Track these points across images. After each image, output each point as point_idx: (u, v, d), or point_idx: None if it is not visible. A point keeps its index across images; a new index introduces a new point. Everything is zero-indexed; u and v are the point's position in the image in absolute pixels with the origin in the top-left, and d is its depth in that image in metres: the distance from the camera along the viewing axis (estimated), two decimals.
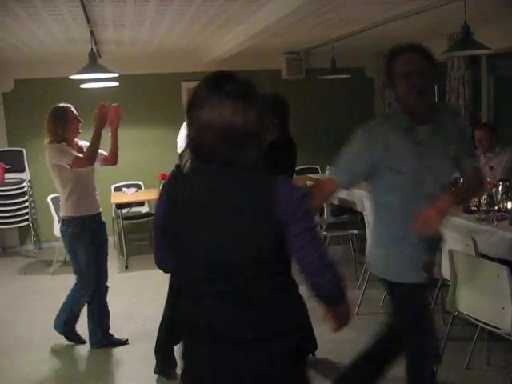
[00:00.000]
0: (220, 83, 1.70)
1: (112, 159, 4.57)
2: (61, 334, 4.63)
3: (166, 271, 2.06)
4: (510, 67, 6.87)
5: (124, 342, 4.67)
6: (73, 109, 4.49)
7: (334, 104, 8.87)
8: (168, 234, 1.82)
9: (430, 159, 2.58)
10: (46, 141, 4.34)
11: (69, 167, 4.22)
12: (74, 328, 4.66)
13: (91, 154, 4.27)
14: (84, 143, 4.53)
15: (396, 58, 2.58)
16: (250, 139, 1.70)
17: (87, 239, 4.40)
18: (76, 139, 4.50)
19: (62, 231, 4.56)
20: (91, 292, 4.50)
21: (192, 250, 1.76)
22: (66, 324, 4.62)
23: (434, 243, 2.72)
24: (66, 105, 4.52)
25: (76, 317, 4.62)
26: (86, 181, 4.42)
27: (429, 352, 2.78)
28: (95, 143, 4.29)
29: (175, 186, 1.83)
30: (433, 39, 7.27)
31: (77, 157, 4.23)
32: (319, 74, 7.72)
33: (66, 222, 4.42)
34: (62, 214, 4.50)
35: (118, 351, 4.53)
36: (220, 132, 1.65)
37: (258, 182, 1.73)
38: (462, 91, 6.98)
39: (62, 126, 4.34)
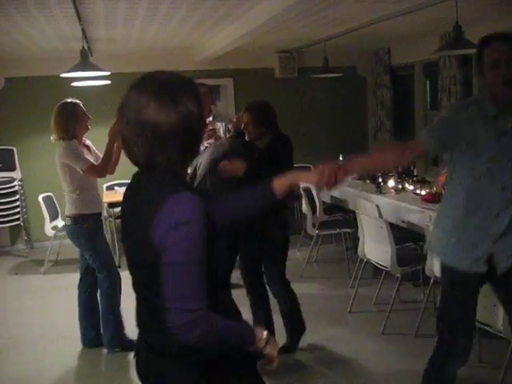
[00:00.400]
0: (140, 82, 1.68)
1: (112, 170, 4.48)
2: (119, 348, 4.33)
3: None
4: None
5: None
6: (81, 104, 4.42)
7: (327, 103, 8.87)
8: None
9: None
10: (55, 137, 4.28)
11: (81, 171, 4.14)
12: (125, 334, 4.35)
13: (105, 167, 4.28)
14: (89, 143, 4.54)
15: (485, 47, 2.55)
16: (166, 140, 1.59)
17: (103, 232, 4.40)
18: (83, 137, 4.45)
19: (73, 229, 4.29)
20: (120, 282, 4.28)
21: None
22: (117, 335, 4.33)
23: (500, 234, 2.62)
24: (74, 100, 4.43)
25: (121, 320, 4.35)
26: (95, 180, 4.42)
27: (457, 350, 2.76)
28: (109, 156, 4.27)
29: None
30: (425, 38, 7.31)
31: (92, 165, 4.19)
32: (312, 73, 7.72)
33: (79, 220, 4.21)
34: (72, 212, 4.23)
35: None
36: (134, 128, 1.61)
37: (152, 195, 1.61)
38: (454, 90, 7.00)
39: (72, 122, 4.28)
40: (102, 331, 4.40)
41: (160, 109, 1.57)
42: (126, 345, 4.23)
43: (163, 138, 1.58)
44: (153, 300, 1.65)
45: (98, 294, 4.39)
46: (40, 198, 6.87)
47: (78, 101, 4.43)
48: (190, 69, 8.22)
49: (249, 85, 8.27)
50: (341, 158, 6.31)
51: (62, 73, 5.12)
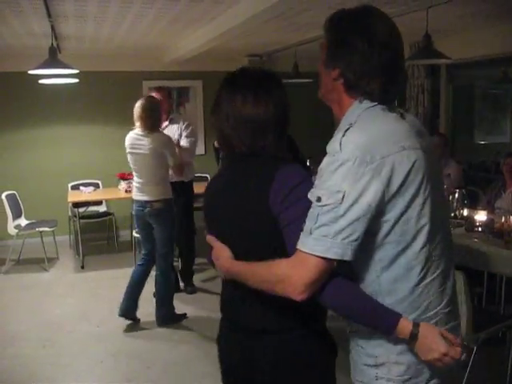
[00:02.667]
0: (232, 78, 1.85)
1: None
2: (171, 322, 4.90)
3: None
4: (469, 77, 7.03)
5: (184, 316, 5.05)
6: None
7: (296, 108, 8.87)
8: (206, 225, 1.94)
9: None
10: (143, 129, 4.76)
11: (171, 163, 4.79)
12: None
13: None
14: None
15: None
16: (266, 129, 1.75)
17: None
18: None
19: (163, 212, 4.76)
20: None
21: (219, 232, 1.84)
22: (172, 310, 4.97)
23: None
24: (155, 96, 5.11)
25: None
26: None
27: None
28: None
29: (212, 179, 1.98)
30: None
31: (181, 163, 5.00)
32: (282, 78, 7.72)
33: (170, 203, 4.81)
34: (164, 197, 4.76)
35: (72, 352, 4.44)
36: (235, 124, 1.76)
37: (260, 170, 1.74)
38: (422, 99, 7.10)
39: (160, 116, 4.90)
40: (156, 309, 4.94)
41: (258, 102, 1.75)
42: (175, 320, 4.93)
43: (263, 128, 1.75)
44: None
45: (156, 275, 4.92)
46: (3, 196, 6.73)
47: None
48: (160, 70, 8.18)
49: (218, 87, 8.24)
50: (308, 164, 6.33)
51: (30, 69, 5.02)
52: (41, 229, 6.77)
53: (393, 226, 1.51)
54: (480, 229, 4.14)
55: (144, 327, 4.89)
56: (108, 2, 4.41)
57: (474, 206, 4.53)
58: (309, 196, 1.52)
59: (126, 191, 7.01)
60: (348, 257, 1.46)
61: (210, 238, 1.83)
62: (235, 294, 1.83)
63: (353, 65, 1.57)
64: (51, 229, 6.90)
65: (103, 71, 7.90)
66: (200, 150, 7.80)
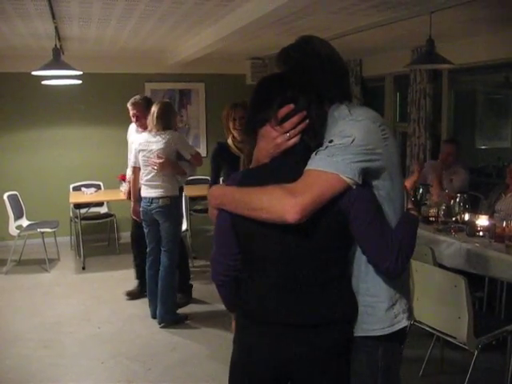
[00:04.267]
0: (284, 81, 1.84)
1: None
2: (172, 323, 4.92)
3: (218, 284, 1.98)
4: (471, 82, 7.04)
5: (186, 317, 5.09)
6: None
7: None
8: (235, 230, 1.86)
9: None
10: (157, 128, 4.88)
11: (189, 156, 4.95)
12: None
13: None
14: None
15: None
16: (319, 131, 1.81)
17: None
18: None
19: (168, 207, 4.90)
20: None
21: (258, 237, 1.82)
22: (174, 309, 5.04)
23: None
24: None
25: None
26: None
27: None
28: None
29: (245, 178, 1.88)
30: (397, 51, 7.41)
31: (198, 152, 5.16)
32: None
33: (175, 199, 4.97)
34: (173, 193, 4.93)
35: (72, 353, 4.44)
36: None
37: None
38: (423, 104, 7.10)
39: (173, 118, 5.07)
40: (158, 307, 4.94)
41: (314, 104, 1.85)
42: (176, 321, 4.96)
43: (318, 129, 1.83)
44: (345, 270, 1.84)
45: (160, 272, 4.96)
46: (5, 196, 6.74)
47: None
48: (162, 72, 8.20)
49: (220, 90, 8.28)
50: None
51: (33, 70, 5.05)
52: (42, 229, 6.78)
53: (383, 203, 1.80)
54: (481, 233, 4.15)
55: (145, 328, 4.89)
56: (112, 5, 4.42)
57: (475, 211, 4.54)
58: (322, 148, 1.74)
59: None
60: (356, 178, 1.69)
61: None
62: (272, 288, 1.82)
63: (313, 81, 1.89)
64: (53, 230, 6.90)
65: (106, 73, 7.92)
66: (202, 152, 7.81)
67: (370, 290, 1.85)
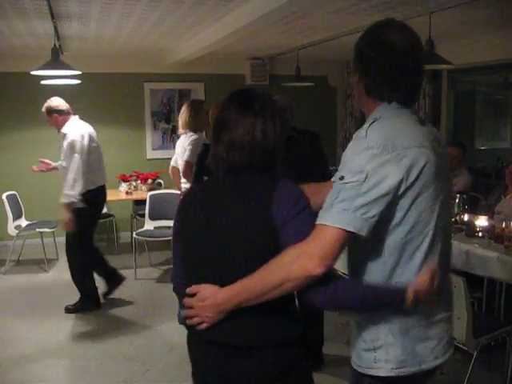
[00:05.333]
0: (249, 103, 1.78)
1: None
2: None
3: (175, 289, 1.99)
4: (470, 83, 7.04)
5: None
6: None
7: (297, 112, 8.88)
8: (178, 240, 1.89)
9: None
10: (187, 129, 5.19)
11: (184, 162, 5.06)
12: None
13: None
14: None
15: None
16: (276, 154, 1.80)
17: None
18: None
19: None
20: None
21: (197, 248, 1.80)
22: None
23: None
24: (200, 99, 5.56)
25: None
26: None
27: None
28: None
29: (189, 201, 1.90)
30: None
31: (188, 162, 5.05)
32: (283, 81, 7.75)
33: None
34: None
35: (71, 353, 4.44)
36: (250, 150, 1.74)
37: (260, 182, 1.76)
38: (423, 104, 7.11)
39: (201, 119, 5.10)
40: None
41: (274, 129, 1.79)
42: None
43: (276, 152, 1.82)
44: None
45: None
46: (4, 196, 6.73)
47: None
48: (162, 72, 8.19)
49: (219, 90, 8.25)
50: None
51: (31, 70, 5.04)
52: (41, 229, 6.77)
53: (405, 215, 1.63)
54: (480, 234, 4.14)
55: (144, 328, 4.89)
56: (111, 4, 4.42)
57: (474, 212, 4.53)
58: (332, 179, 1.67)
59: (127, 193, 7.02)
60: (364, 232, 1.56)
61: (190, 290, 1.77)
62: None
63: (367, 71, 1.76)
64: (51, 229, 6.89)
65: (105, 73, 7.92)
66: None
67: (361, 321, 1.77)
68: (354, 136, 1.68)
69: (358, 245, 1.68)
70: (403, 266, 1.68)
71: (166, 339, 4.63)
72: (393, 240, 1.66)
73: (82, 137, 5.00)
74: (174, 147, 5.46)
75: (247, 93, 1.84)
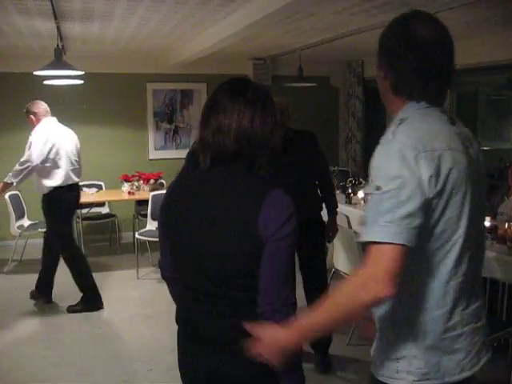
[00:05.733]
0: (242, 90, 1.74)
1: None
2: None
3: (165, 279, 2.02)
4: (473, 83, 7.03)
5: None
6: None
7: (300, 112, 8.90)
8: (164, 231, 1.88)
9: None
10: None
11: None
12: None
13: None
14: None
15: None
16: (263, 145, 1.73)
17: None
18: None
19: None
20: None
21: (181, 246, 1.80)
22: None
23: None
24: None
25: None
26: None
27: None
28: None
29: (175, 184, 1.87)
30: None
31: None
32: (285, 81, 7.75)
33: None
34: None
35: (73, 353, 4.44)
36: (237, 137, 1.69)
37: (251, 188, 1.71)
38: None
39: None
40: None
41: (263, 119, 1.74)
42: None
43: (263, 143, 1.74)
44: (248, 292, 1.70)
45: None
46: (6, 196, 6.73)
47: None
48: (164, 72, 8.20)
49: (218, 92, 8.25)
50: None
51: (35, 70, 5.05)
52: (44, 229, 6.75)
53: (436, 223, 1.53)
54: None
55: (146, 329, 4.89)
56: (114, 5, 4.42)
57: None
58: (367, 191, 1.56)
59: (129, 193, 7.03)
60: (412, 243, 1.46)
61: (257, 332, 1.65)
62: (198, 305, 1.79)
63: (394, 68, 1.64)
64: None
65: (108, 73, 7.93)
66: None
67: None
68: (381, 141, 1.59)
69: None
70: (432, 276, 1.59)
71: (169, 339, 4.61)
72: (422, 248, 1.56)
73: (43, 143, 5.15)
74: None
75: (241, 80, 1.82)
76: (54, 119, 5.37)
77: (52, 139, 5.16)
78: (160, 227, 1.91)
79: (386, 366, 1.68)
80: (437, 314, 1.61)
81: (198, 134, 1.77)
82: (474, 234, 1.62)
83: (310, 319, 1.57)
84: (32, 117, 5.27)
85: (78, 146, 5.47)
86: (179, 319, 1.89)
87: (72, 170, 5.29)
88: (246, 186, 1.71)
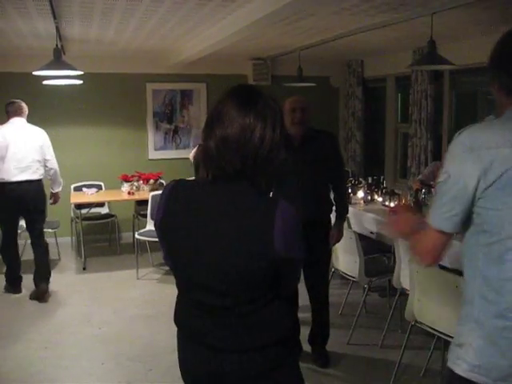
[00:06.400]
0: (252, 102, 1.65)
1: None
2: None
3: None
4: (472, 84, 7.02)
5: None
6: None
7: None
8: (164, 239, 1.81)
9: None
10: None
11: None
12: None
13: None
14: None
15: None
16: (269, 163, 1.65)
17: None
18: None
19: None
20: None
21: (182, 258, 1.75)
22: None
23: None
24: None
25: None
26: None
27: None
28: None
29: (176, 194, 1.77)
30: (398, 52, 7.41)
31: None
32: (285, 81, 7.74)
33: None
34: None
35: (73, 354, 4.43)
36: (244, 154, 1.61)
37: (258, 205, 1.65)
38: (425, 104, 7.10)
39: None
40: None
41: (272, 132, 1.67)
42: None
43: (270, 157, 1.67)
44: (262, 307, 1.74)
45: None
46: None
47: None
48: (164, 72, 8.20)
49: (221, 91, 8.21)
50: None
51: (34, 70, 5.04)
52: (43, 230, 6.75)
53: (485, 217, 1.66)
54: None
55: (146, 329, 4.89)
56: (113, 5, 4.42)
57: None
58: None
59: (129, 193, 7.03)
60: (447, 229, 1.70)
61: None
62: (198, 312, 1.78)
63: (503, 80, 1.73)
64: (53, 230, 6.90)
65: (107, 73, 7.92)
66: None
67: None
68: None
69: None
70: (490, 269, 1.68)
71: (169, 339, 4.60)
72: (475, 242, 1.71)
73: None
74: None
75: (251, 90, 1.73)
76: (22, 119, 5.69)
77: (3, 136, 5.46)
78: (161, 239, 1.83)
79: (451, 351, 1.79)
80: (501, 308, 1.64)
81: (202, 143, 1.70)
82: None
83: (410, 231, 1.89)
84: (6, 115, 5.65)
85: (46, 146, 5.74)
86: (178, 322, 1.88)
87: (17, 168, 5.49)
88: (252, 202, 1.66)
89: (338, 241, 4.24)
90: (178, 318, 1.87)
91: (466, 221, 1.70)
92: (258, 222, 1.61)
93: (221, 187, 1.67)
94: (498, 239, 1.64)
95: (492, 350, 1.65)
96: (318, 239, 3.96)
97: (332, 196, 4.20)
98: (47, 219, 7.10)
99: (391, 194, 5.66)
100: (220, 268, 1.66)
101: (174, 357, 1.91)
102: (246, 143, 1.61)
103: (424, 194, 5.10)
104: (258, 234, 1.61)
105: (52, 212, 7.48)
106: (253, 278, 1.65)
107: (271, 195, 1.74)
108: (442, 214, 1.70)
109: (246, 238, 1.62)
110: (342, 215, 4.21)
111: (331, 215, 4.20)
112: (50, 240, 6.91)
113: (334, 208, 4.19)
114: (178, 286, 1.86)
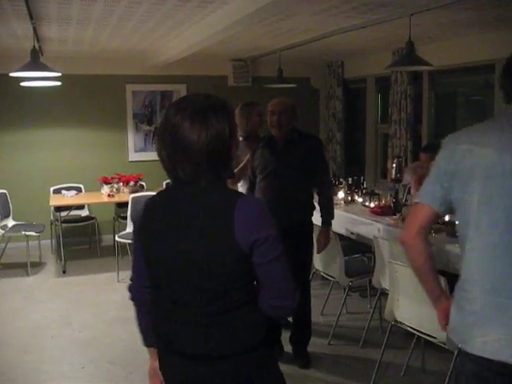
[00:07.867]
0: (180, 105, 1.73)
1: None
2: None
3: (134, 300, 2.04)
4: (451, 84, 7.09)
5: None
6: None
7: None
8: (140, 245, 1.87)
9: None
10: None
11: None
12: None
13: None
14: None
15: None
16: (214, 157, 1.69)
17: None
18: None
19: None
20: None
21: (156, 264, 1.81)
22: None
23: None
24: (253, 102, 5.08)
25: None
26: None
27: None
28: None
29: (151, 204, 1.87)
30: (378, 53, 7.45)
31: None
32: (265, 82, 7.75)
33: None
34: None
35: (54, 357, 4.40)
36: (194, 158, 1.67)
37: (218, 201, 1.72)
38: (404, 105, 7.15)
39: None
40: None
41: (205, 130, 1.68)
42: None
43: (211, 155, 1.69)
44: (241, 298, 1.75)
45: None
46: None
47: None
48: (143, 73, 8.16)
49: (202, 91, 8.21)
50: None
51: (11, 72, 4.99)
52: (28, 233, 6.68)
53: (458, 206, 1.92)
54: None
55: (126, 332, 4.86)
56: (91, 5, 4.38)
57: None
58: None
59: (109, 195, 6.98)
60: (428, 203, 1.92)
61: None
62: (173, 316, 1.81)
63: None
64: (38, 234, 6.81)
65: (86, 74, 7.86)
66: None
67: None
68: None
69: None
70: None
71: None
72: (459, 225, 1.97)
73: None
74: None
75: (186, 96, 1.83)
76: None
77: None
78: (136, 244, 1.90)
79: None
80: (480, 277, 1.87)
81: (157, 153, 1.77)
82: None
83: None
84: None
85: None
86: (157, 332, 1.91)
87: None
88: (214, 200, 1.72)
89: (325, 247, 4.23)
90: (156, 328, 1.90)
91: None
92: (219, 219, 1.69)
93: (185, 190, 1.75)
94: (464, 231, 1.94)
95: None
96: (297, 242, 3.96)
97: (317, 200, 4.20)
98: (28, 221, 7.06)
99: (371, 195, 5.69)
100: (191, 263, 1.71)
101: None
102: (193, 148, 1.67)
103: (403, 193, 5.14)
104: (220, 230, 1.67)
105: (32, 214, 7.43)
106: (221, 272, 1.69)
107: (239, 189, 1.79)
108: (425, 191, 1.98)
109: (211, 235, 1.68)
110: (327, 222, 4.19)
111: (312, 218, 4.19)
112: (33, 243, 6.88)
113: (314, 212, 4.19)
114: (153, 285, 1.88)
